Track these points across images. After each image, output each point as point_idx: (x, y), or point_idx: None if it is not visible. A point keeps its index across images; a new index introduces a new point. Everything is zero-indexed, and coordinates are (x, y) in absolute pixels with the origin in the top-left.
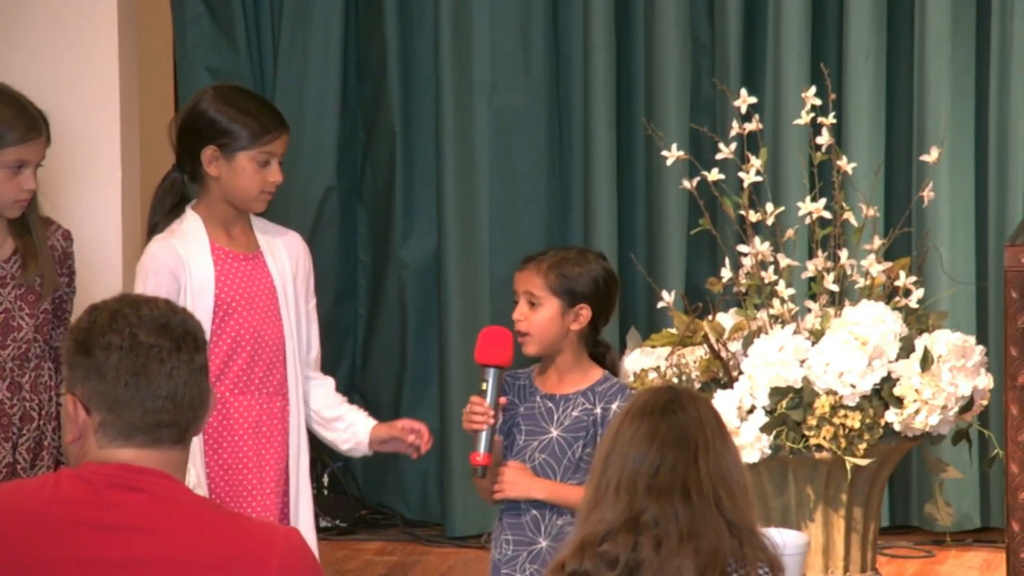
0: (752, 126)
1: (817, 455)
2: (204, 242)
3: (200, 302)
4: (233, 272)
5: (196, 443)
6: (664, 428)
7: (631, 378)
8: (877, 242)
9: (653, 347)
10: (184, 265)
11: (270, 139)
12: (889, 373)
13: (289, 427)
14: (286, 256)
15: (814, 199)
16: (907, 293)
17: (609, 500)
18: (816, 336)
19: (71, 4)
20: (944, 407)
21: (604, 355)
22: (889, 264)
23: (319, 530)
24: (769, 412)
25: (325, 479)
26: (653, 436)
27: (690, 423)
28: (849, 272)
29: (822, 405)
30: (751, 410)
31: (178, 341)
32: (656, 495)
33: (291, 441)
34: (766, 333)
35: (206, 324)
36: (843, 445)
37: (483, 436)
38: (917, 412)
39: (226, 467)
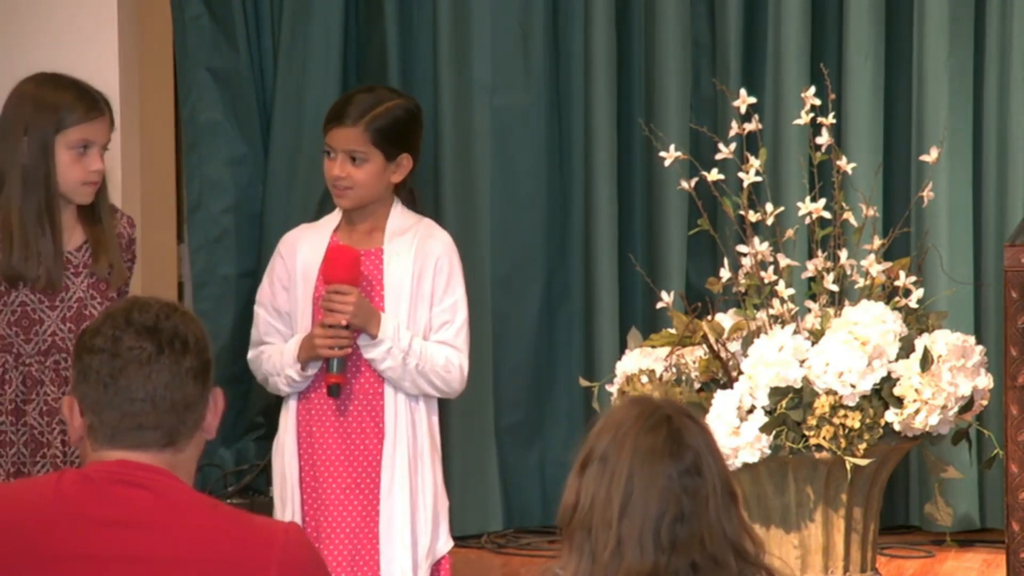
0: (752, 126)
1: (817, 455)
2: (326, 235)
3: (301, 289)
4: None
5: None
6: (676, 479)
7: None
8: (877, 242)
9: (653, 347)
10: (294, 253)
11: (327, 130)
12: (889, 373)
13: (384, 424)
14: (411, 257)
15: (814, 199)
16: (907, 293)
17: (630, 550)
18: (816, 336)
19: (71, 4)
20: (944, 407)
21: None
22: (889, 264)
23: None
24: (769, 412)
25: None
26: (668, 491)
27: (698, 470)
28: (849, 272)
29: (822, 405)
30: (751, 410)
31: (163, 344)
32: (676, 549)
33: (386, 437)
34: (766, 333)
35: (307, 310)
36: (843, 445)
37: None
38: (917, 412)
39: (312, 462)
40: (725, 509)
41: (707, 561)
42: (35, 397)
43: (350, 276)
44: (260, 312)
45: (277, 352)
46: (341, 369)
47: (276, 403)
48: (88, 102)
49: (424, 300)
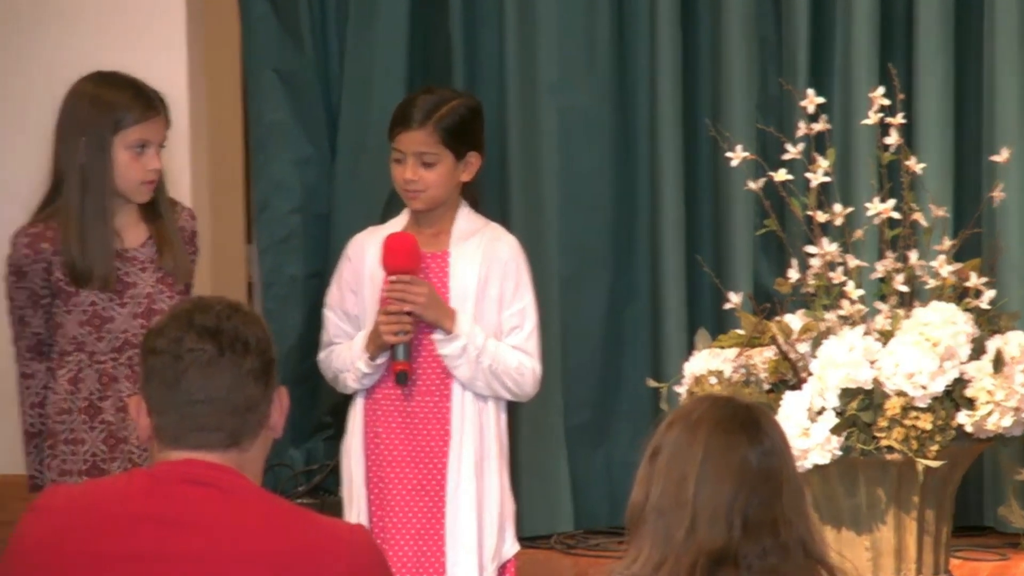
0: (820, 126)
1: (888, 457)
2: None
3: (369, 291)
4: None
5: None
6: (754, 460)
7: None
8: (947, 242)
9: (721, 348)
10: (362, 256)
11: (393, 135)
12: (961, 374)
13: (450, 426)
14: (478, 260)
15: (883, 199)
16: (978, 294)
17: (704, 527)
18: (886, 337)
19: (141, 7)
20: (1017, 408)
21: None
22: (959, 265)
23: None
24: (839, 413)
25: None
26: (744, 470)
27: (775, 455)
28: (919, 273)
29: (892, 406)
30: (820, 411)
31: (224, 346)
32: (747, 531)
33: (452, 439)
34: (835, 334)
35: (375, 312)
36: (914, 447)
37: (402, 344)
38: (989, 414)
39: (378, 462)
40: (795, 502)
41: (777, 549)
42: (111, 394)
43: (409, 262)
44: (329, 315)
45: (346, 348)
46: (407, 356)
47: (344, 402)
48: (144, 101)
49: (490, 304)
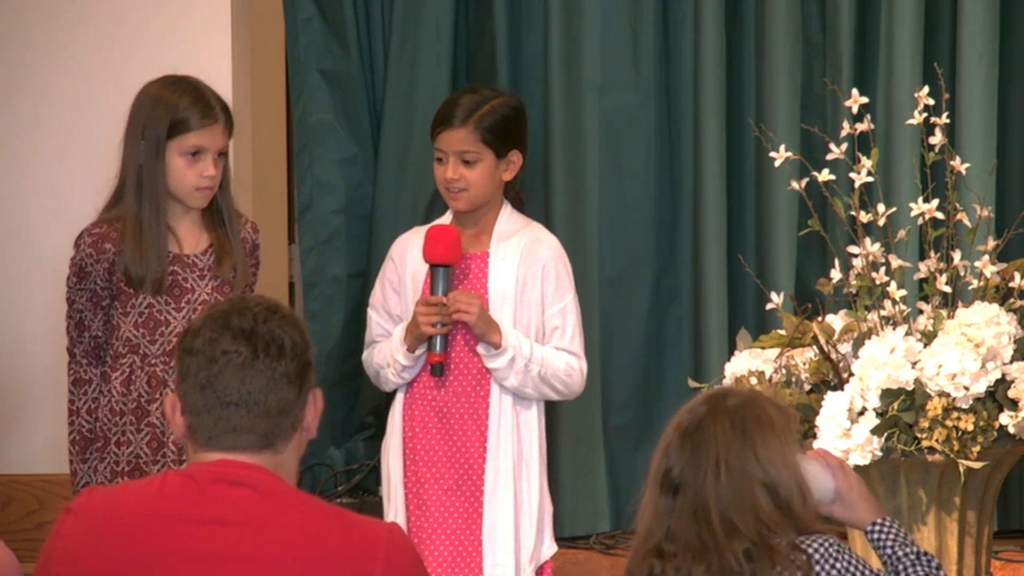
0: (863, 126)
1: (929, 458)
2: None
3: (411, 292)
4: None
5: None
6: (689, 445)
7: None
8: (991, 243)
9: (762, 348)
10: (404, 257)
11: (435, 134)
12: (1003, 375)
13: (488, 426)
14: (517, 261)
15: (926, 200)
16: (1022, 294)
17: (640, 521)
18: (928, 338)
19: (185, 7)
20: None
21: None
22: (1003, 265)
23: None
24: (880, 414)
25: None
26: (667, 449)
27: (707, 442)
28: (962, 273)
29: (934, 407)
30: (862, 412)
31: (258, 349)
32: (672, 513)
33: (490, 439)
34: (877, 335)
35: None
36: (956, 448)
37: (439, 336)
38: None
39: (415, 462)
40: (737, 494)
41: (695, 540)
42: (158, 397)
43: (449, 254)
44: (372, 315)
45: (386, 344)
46: (444, 348)
47: (386, 403)
48: (202, 109)
49: (529, 305)
